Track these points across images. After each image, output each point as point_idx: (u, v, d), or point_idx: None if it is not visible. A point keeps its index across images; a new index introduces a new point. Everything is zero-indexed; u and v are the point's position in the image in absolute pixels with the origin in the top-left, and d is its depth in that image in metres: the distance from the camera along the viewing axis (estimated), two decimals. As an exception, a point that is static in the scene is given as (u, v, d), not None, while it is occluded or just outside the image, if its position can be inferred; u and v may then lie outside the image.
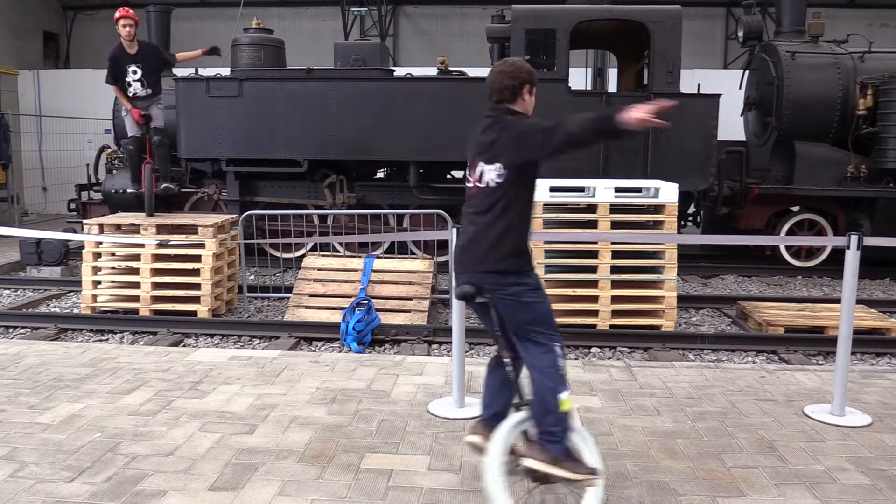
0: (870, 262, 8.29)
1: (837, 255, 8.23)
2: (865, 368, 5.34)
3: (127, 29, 7.35)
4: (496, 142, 3.00)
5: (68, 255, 9.56)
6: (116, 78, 7.49)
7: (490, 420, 3.11)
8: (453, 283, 4.11)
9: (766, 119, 10.48)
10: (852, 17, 17.86)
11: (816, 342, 6.39)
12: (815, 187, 9.90)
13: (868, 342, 6.36)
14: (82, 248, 7.46)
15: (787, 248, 10.22)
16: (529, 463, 2.89)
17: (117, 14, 7.33)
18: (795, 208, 10.35)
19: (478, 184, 3.06)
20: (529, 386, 2.98)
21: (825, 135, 10.05)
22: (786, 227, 10.22)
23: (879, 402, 4.37)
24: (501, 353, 3.13)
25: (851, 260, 4.02)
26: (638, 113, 2.64)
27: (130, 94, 7.49)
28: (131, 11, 7.41)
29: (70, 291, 8.49)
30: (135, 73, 7.39)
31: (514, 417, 3.01)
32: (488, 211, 3.01)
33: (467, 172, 3.14)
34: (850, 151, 9.86)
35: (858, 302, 6.90)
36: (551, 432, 2.89)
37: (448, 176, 10.77)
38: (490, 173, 3.01)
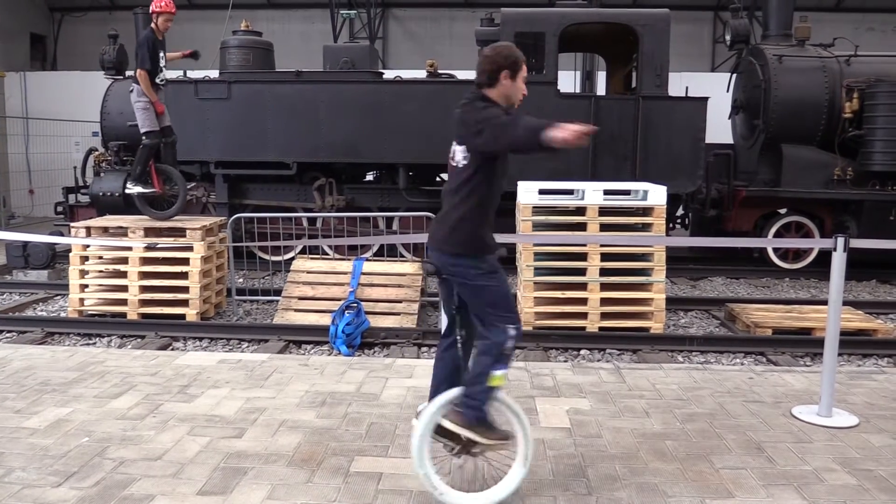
0: (856, 263, 8.34)
1: (824, 258, 8.25)
2: (852, 370, 5.37)
3: (168, 24, 7.22)
4: (464, 123, 3.04)
5: (55, 258, 9.50)
6: (154, 64, 7.18)
7: None
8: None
9: (753, 122, 10.54)
10: (838, 20, 18.01)
11: (804, 343, 6.43)
12: (802, 190, 9.97)
13: (855, 343, 6.40)
14: (69, 251, 7.41)
15: (775, 250, 10.28)
16: (444, 422, 3.08)
17: (161, 8, 7.09)
18: (783, 211, 10.42)
19: (451, 162, 3.14)
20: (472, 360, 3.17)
21: (812, 137, 10.12)
22: (773, 230, 10.28)
23: (866, 402, 4.39)
24: (453, 330, 3.23)
25: (838, 262, 4.05)
26: (563, 133, 2.68)
27: (158, 81, 7.26)
28: (174, 7, 7.31)
29: (57, 295, 8.43)
30: (163, 58, 7.28)
31: (449, 393, 3.13)
32: (456, 192, 3.11)
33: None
34: (836, 154, 9.94)
35: (845, 303, 6.93)
36: (471, 397, 3.05)
37: (437, 178, 10.77)
38: (458, 154, 3.09)
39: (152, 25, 7.18)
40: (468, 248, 3.08)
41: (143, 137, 7.29)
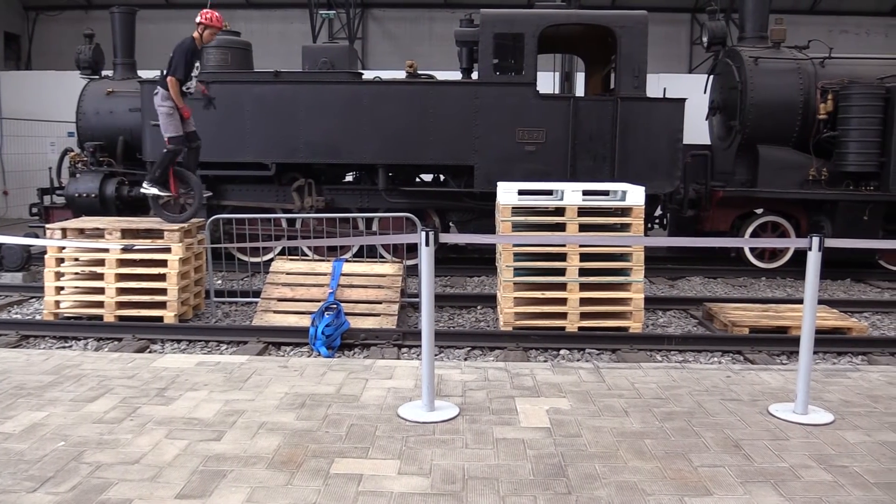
0: (831, 263, 8.46)
1: (800, 257, 8.32)
2: (827, 367, 5.44)
3: (213, 38, 7.22)
4: None
5: (30, 260, 9.38)
6: (187, 73, 7.12)
7: None
8: (423, 286, 4.11)
9: (730, 123, 10.65)
10: (813, 23, 18.25)
11: (780, 342, 6.50)
12: (778, 190, 10.09)
13: (830, 342, 6.48)
14: (44, 253, 7.31)
15: (752, 249, 10.40)
16: None
17: (208, 20, 7.03)
18: (759, 211, 10.54)
19: None
20: None
21: (787, 138, 10.24)
22: (750, 230, 10.39)
23: (841, 400, 4.45)
24: None
25: (813, 261, 4.10)
26: None
27: (185, 89, 7.16)
28: (223, 24, 7.21)
29: (32, 297, 8.33)
30: (197, 68, 7.21)
31: None
32: None
33: None
34: (811, 155, 10.06)
35: (820, 302, 7.05)
36: None
37: (417, 179, 10.77)
38: None
39: (195, 35, 7.12)
40: None
41: (167, 142, 7.25)
